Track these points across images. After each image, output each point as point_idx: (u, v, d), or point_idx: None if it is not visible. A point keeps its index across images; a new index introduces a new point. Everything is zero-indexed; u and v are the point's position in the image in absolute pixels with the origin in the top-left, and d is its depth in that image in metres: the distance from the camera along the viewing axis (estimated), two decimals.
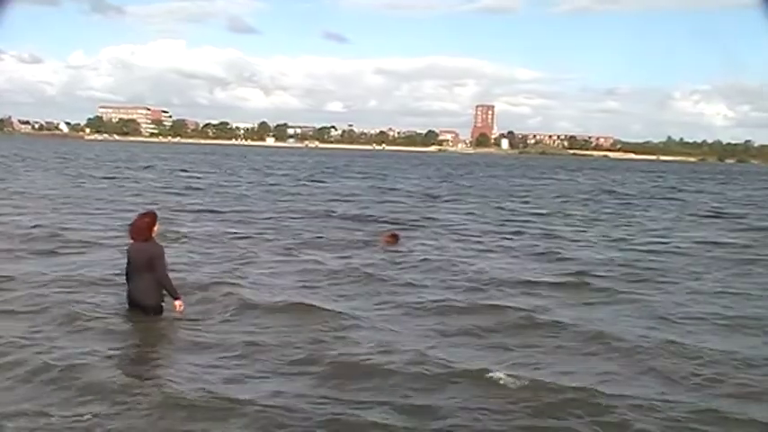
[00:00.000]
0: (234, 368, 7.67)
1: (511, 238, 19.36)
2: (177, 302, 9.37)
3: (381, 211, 25.67)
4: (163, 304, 9.37)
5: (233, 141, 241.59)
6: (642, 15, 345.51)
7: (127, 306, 9.53)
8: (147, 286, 9.28)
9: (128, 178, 40.09)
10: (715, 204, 35.84)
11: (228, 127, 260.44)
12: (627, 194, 42.32)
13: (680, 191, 49.44)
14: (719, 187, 57.83)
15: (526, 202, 33.37)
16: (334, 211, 24.61)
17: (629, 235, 21.09)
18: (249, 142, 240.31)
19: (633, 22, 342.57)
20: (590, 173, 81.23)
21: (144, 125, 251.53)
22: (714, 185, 60.95)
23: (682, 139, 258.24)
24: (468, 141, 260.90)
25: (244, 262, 13.85)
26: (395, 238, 17.98)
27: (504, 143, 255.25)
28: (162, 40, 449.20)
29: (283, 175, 52.46)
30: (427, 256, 15.20)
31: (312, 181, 44.96)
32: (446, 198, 34.50)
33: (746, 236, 21.55)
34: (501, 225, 22.72)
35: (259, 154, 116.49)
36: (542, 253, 16.59)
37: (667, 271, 14.48)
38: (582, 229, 22.26)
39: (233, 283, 11.42)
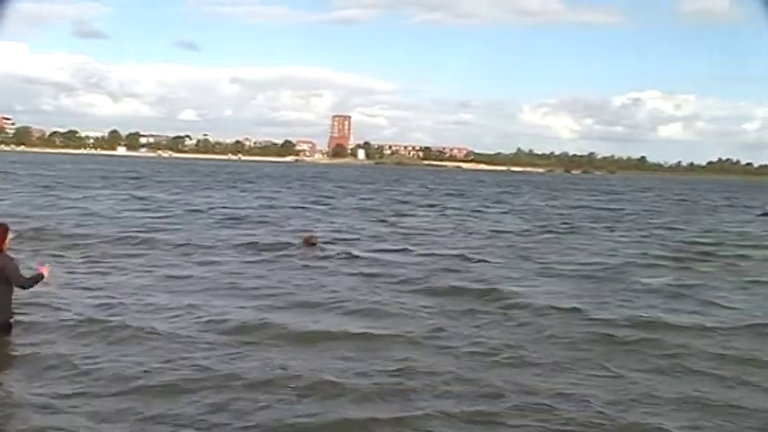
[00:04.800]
0: None
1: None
2: (44, 269, 9.33)
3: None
4: (11, 321, 9.33)
5: (82, 150, 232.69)
6: (493, 30, 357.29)
7: None
8: None
9: None
10: None
11: (77, 135, 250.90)
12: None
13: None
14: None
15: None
16: None
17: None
18: (99, 151, 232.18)
19: (485, 37, 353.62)
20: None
21: None
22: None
23: (531, 150, 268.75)
24: (324, 152, 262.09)
25: None
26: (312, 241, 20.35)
27: (361, 153, 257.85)
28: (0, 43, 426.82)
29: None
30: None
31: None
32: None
33: None
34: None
35: (104, 163, 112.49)
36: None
37: None
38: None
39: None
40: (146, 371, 8.83)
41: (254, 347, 10.17)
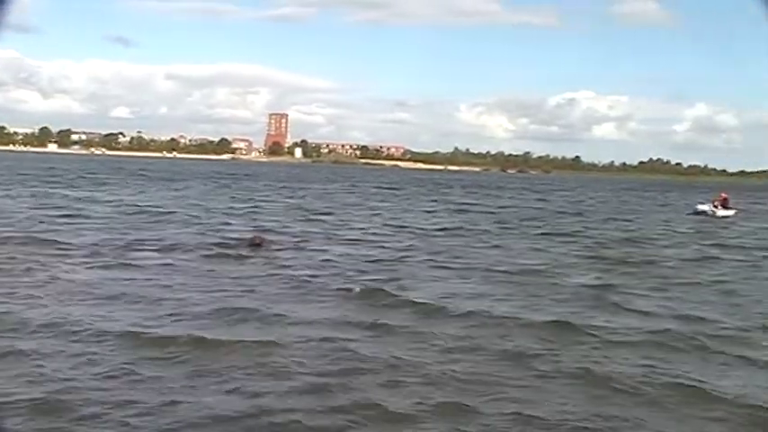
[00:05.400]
0: None
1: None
2: None
3: None
4: None
5: (11, 147, 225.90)
6: (432, 30, 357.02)
7: None
8: None
9: None
10: None
11: (5, 131, 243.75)
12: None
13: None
14: None
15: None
16: None
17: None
18: (29, 148, 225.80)
19: (423, 36, 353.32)
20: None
21: None
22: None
23: (468, 149, 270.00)
24: (261, 150, 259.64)
25: None
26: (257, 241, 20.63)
27: (298, 152, 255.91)
28: None
29: None
30: None
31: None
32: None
33: None
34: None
35: (31, 160, 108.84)
36: None
37: None
38: None
39: None
40: None
41: (134, 365, 9.39)
